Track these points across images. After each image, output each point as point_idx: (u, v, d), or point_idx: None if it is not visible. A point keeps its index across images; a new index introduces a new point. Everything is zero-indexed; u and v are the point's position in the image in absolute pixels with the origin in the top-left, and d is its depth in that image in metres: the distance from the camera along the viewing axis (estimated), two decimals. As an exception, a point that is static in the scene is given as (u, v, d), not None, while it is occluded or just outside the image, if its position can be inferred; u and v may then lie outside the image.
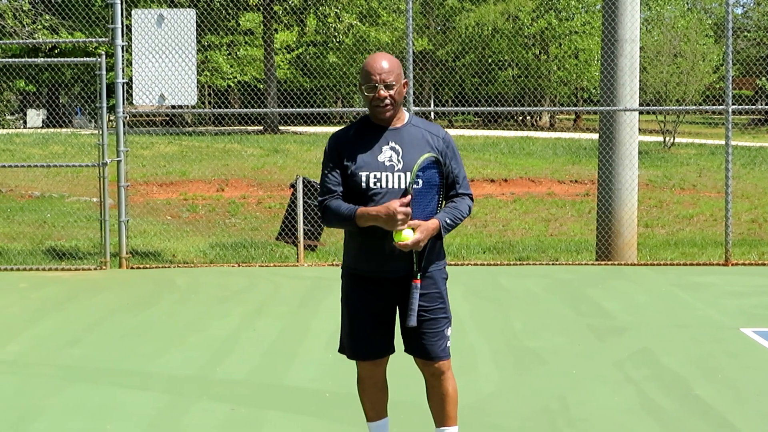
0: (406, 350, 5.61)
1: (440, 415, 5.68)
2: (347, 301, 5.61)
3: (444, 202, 5.50)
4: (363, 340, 5.56)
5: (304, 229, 14.39)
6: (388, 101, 5.35)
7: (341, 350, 5.73)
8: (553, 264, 14.21)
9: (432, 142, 5.45)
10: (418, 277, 5.37)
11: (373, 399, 5.76)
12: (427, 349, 5.51)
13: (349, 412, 7.05)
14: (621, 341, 9.24)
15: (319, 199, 5.49)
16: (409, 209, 5.22)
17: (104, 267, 13.78)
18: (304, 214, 14.38)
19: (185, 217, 20.51)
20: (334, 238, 17.23)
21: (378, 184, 5.33)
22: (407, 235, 5.23)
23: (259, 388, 7.74)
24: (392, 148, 5.39)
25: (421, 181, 5.34)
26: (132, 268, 13.90)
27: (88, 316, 10.60)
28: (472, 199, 5.61)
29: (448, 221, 5.39)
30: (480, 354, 8.78)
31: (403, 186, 5.32)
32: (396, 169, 5.35)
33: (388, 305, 5.52)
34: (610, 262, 14.03)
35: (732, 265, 13.77)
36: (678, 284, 12.31)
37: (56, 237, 17.53)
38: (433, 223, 5.32)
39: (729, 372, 8.16)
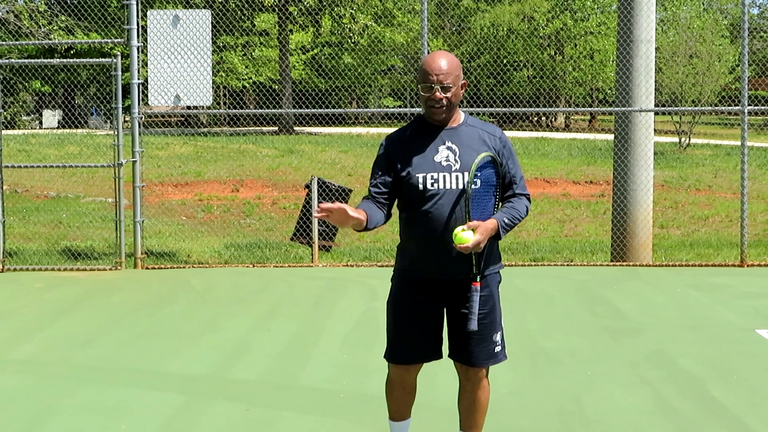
0: (450, 355, 5.54)
1: (467, 421, 5.64)
2: (396, 304, 5.55)
3: (500, 203, 5.42)
4: (409, 344, 5.49)
5: (318, 230, 14.40)
6: (443, 102, 5.25)
7: (386, 356, 5.64)
8: (568, 265, 14.19)
9: (489, 141, 5.38)
10: (478, 279, 5.29)
11: (400, 401, 5.72)
12: (469, 353, 5.45)
13: (364, 413, 7.05)
14: (636, 342, 9.22)
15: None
16: (328, 205, 5.06)
17: (119, 267, 13.80)
18: (319, 214, 14.36)
19: (200, 217, 20.54)
20: (348, 238, 17.25)
21: (435, 185, 5.24)
22: (467, 237, 5.12)
23: (273, 389, 7.74)
24: (449, 148, 5.30)
25: (479, 181, 5.26)
26: (147, 268, 13.93)
27: (103, 317, 10.62)
28: (529, 200, 5.53)
29: (506, 221, 5.30)
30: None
31: (460, 186, 5.23)
32: (453, 169, 5.26)
33: (439, 309, 5.44)
34: (625, 263, 14.00)
35: (747, 266, 13.73)
36: (693, 285, 12.27)
37: (72, 237, 17.57)
38: (491, 223, 5.22)
39: (744, 373, 8.14)
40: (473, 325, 5.28)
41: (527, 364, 8.43)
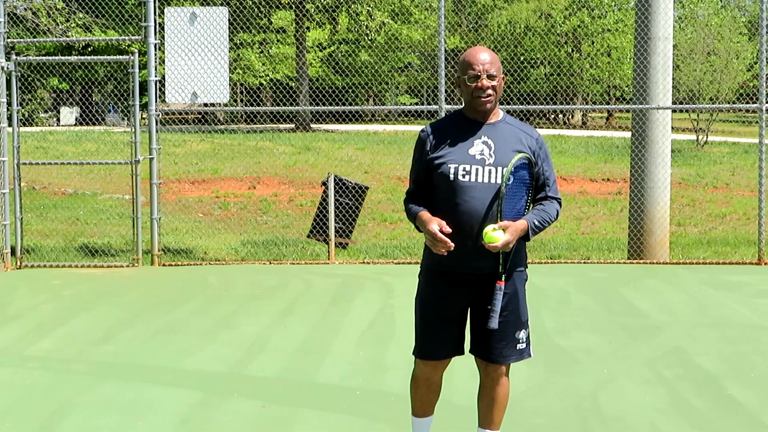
0: (471, 351, 5.57)
1: (486, 418, 5.64)
2: (423, 301, 5.54)
3: (531, 203, 5.44)
4: (434, 339, 5.50)
5: (335, 227, 14.41)
6: (490, 92, 5.31)
7: (416, 353, 5.62)
8: (584, 263, 14.16)
9: (525, 141, 5.40)
10: (503, 278, 5.30)
11: (425, 398, 5.70)
12: (490, 350, 5.46)
13: (380, 410, 7.06)
14: (653, 340, 9.20)
15: (406, 193, 5.57)
16: (448, 243, 5.18)
17: (136, 264, 13.84)
18: (335, 211, 14.39)
19: (217, 214, 20.57)
20: (365, 236, 17.26)
21: (467, 177, 5.26)
22: (497, 236, 5.15)
23: (290, 386, 7.75)
24: (485, 143, 5.33)
25: (512, 179, 5.27)
26: (164, 265, 13.96)
27: (120, 313, 10.65)
28: (560, 204, 5.55)
29: (537, 223, 5.33)
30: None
31: (493, 181, 5.25)
32: (487, 162, 5.28)
33: (463, 305, 5.44)
34: (642, 261, 13.97)
35: (765, 264, 13.68)
36: (710, 283, 12.25)
37: (89, 234, 17.62)
38: (522, 224, 5.25)
39: (762, 371, 8.12)
40: (494, 323, 5.29)
41: (544, 362, 8.42)
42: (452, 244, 5.18)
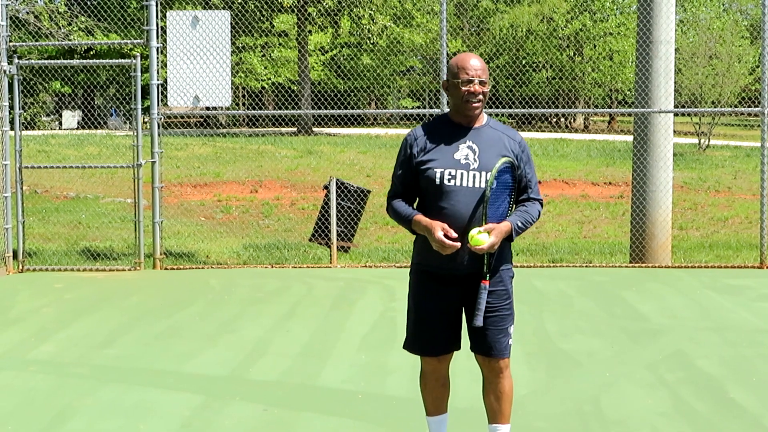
0: (471, 348, 5.68)
1: (495, 413, 5.74)
2: (414, 297, 5.72)
3: (514, 205, 5.58)
4: (428, 335, 5.64)
5: (337, 231, 14.41)
6: (480, 97, 5.46)
7: (405, 346, 5.80)
8: (586, 266, 14.17)
9: (509, 145, 5.54)
10: (487, 278, 5.44)
11: (435, 394, 5.80)
12: (490, 345, 5.60)
13: (382, 413, 7.06)
14: (655, 344, 9.20)
15: (388, 194, 5.68)
16: (456, 245, 5.31)
17: (138, 268, 13.84)
18: (337, 215, 14.40)
19: (219, 218, 20.58)
20: (367, 239, 17.26)
21: (452, 181, 5.40)
22: (483, 239, 5.30)
23: (292, 389, 7.75)
24: (469, 147, 5.46)
25: (496, 183, 5.40)
26: (166, 269, 13.96)
27: (122, 317, 10.65)
28: (542, 205, 5.71)
29: (520, 224, 5.49)
30: (513, 356, 8.71)
31: (477, 185, 5.39)
32: (471, 167, 5.42)
33: (454, 302, 5.59)
34: (644, 265, 13.97)
35: (767, 267, 13.68)
36: (712, 287, 12.24)
37: (91, 238, 17.63)
38: (505, 226, 5.41)
39: (764, 375, 8.11)
40: (478, 321, 5.45)
41: (546, 365, 8.42)
42: (459, 244, 5.33)
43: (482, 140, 5.49)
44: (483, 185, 5.38)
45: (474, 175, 5.40)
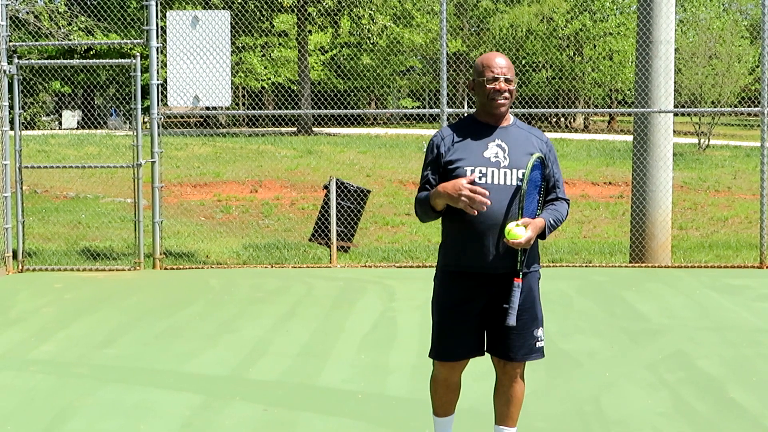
0: (488, 350, 5.63)
1: (503, 415, 5.72)
2: (441, 302, 5.57)
3: (542, 204, 5.55)
4: (453, 341, 5.54)
5: (337, 231, 14.41)
6: (506, 95, 5.46)
7: (432, 354, 5.66)
8: (586, 266, 14.17)
9: (536, 144, 5.54)
10: (520, 276, 5.40)
11: (445, 398, 5.75)
12: (510, 348, 5.54)
13: (382, 413, 7.06)
14: (655, 344, 9.20)
15: (417, 195, 5.60)
16: (485, 192, 5.24)
17: (138, 268, 13.84)
18: (337, 215, 14.40)
19: (219, 218, 20.58)
20: (367, 239, 17.26)
21: (483, 179, 5.36)
22: (520, 233, 5.26)
23: (292, 389, 7.75)
24: (498, 146, 5.45)
25: (527, 180, 5.39)
26: (166, 268, 13.96)
27: (122, 317, 10.65)
28: (569, 205, 5.71)
29: (552, 222, 5.48)
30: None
31: (508, 182, 5.37)
32: (502, 165, 5.40)
33: (481, 305, 5.49)
34: (644, 264, 13.97)
35: (767, 267, 13.68)
36: (712, 287, 12.24)
37: (91, 238, 17.64)
38: (540, 222, 5.39)
39: (764, 375, 8.11)
40: (512, 321, 5.36)
41: (546, 365, 8.41)
42: (486, 192, 5.26)
43: (511, 139, 5.48)
44: (514, 183, 5.37)
45: (505, 173, 5.38)
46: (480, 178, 5.36)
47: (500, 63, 5.45)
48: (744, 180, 26.12)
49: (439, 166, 5.48)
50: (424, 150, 5.63)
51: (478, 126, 5.53)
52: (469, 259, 5.41)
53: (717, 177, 26.79)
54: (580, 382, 7.90)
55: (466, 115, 5.68)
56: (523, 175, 5.35)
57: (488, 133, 5.48)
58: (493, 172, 5.38)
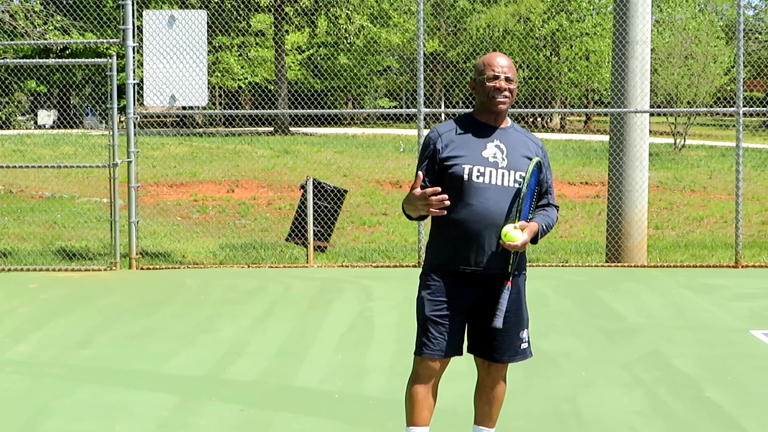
0: (470, 350, 5.63)
1: (483, 415, 5.73)
2: (428, 299, 5.51)
3: (535, 209, 5.55)
4: (441, 338, 5.49)
5: (314, 231, 14.39)
6: (507, 93, 5.45)
7: (417, 351, 5.59)
8: (563, 266, 14.20)
9: (533, 148, 5.56)
10: (510, 278, 5.42)
11: (424, 403, 5.60)
12: (496, 349, 5.57)
13: (359, 413, 7.06)
14: (631, 343, 9.23)
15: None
16: (428, 191, 5.23)
17: (114, 268, 13.79)
18: (314, 215, 14.38)
19: (195, 218, 20.54)
20: (344, 239, 17.25)
21: (481, 179, 5.37)
22: (517, 236, 5.28)
23: (269, 389, 7.74)
24: (497, 146, 5.45)
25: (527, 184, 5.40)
26: (142, 269, 13.92)
27: (98, 317, 10.61)
28: (558, 211, 5.73)
29: (544, 226, 5.50)
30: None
31: (506, 183, 5.38)
32: (500, 166, 5.41)
33: (468, 305, 5.49)
34: (620, 264, 14.01)
35: (742, 267, 13.74)
36: (688, 286, 12.29)
37: (66, 237, 17.57)
38: (534, 226, 5.42)
39: (739, 374, 8.15)
40: (499, 322, 5.39)
41: (522, 365, 8.37)
42: (439, 189, 5.25)
43: (509, 140, 5.49)
44: (511, 184, 5.38)
45: (503, 174, 5.39)
46: (478, 177, 5.37)
47: (501, 62, 5.46)
48: (719, 180, 26.22)
49: (434, 163, 5.46)
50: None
51: (477, 125, 5.52)
52: (461, 257, 5.41)
53: (693, 177, 26.89)
54: (557, 382, 7.92)
55: (463, 113, 5.63)
56: (522, 178, 5.37)
57: (487, 133, 5.48)
58: (491, 171, 5.38)
